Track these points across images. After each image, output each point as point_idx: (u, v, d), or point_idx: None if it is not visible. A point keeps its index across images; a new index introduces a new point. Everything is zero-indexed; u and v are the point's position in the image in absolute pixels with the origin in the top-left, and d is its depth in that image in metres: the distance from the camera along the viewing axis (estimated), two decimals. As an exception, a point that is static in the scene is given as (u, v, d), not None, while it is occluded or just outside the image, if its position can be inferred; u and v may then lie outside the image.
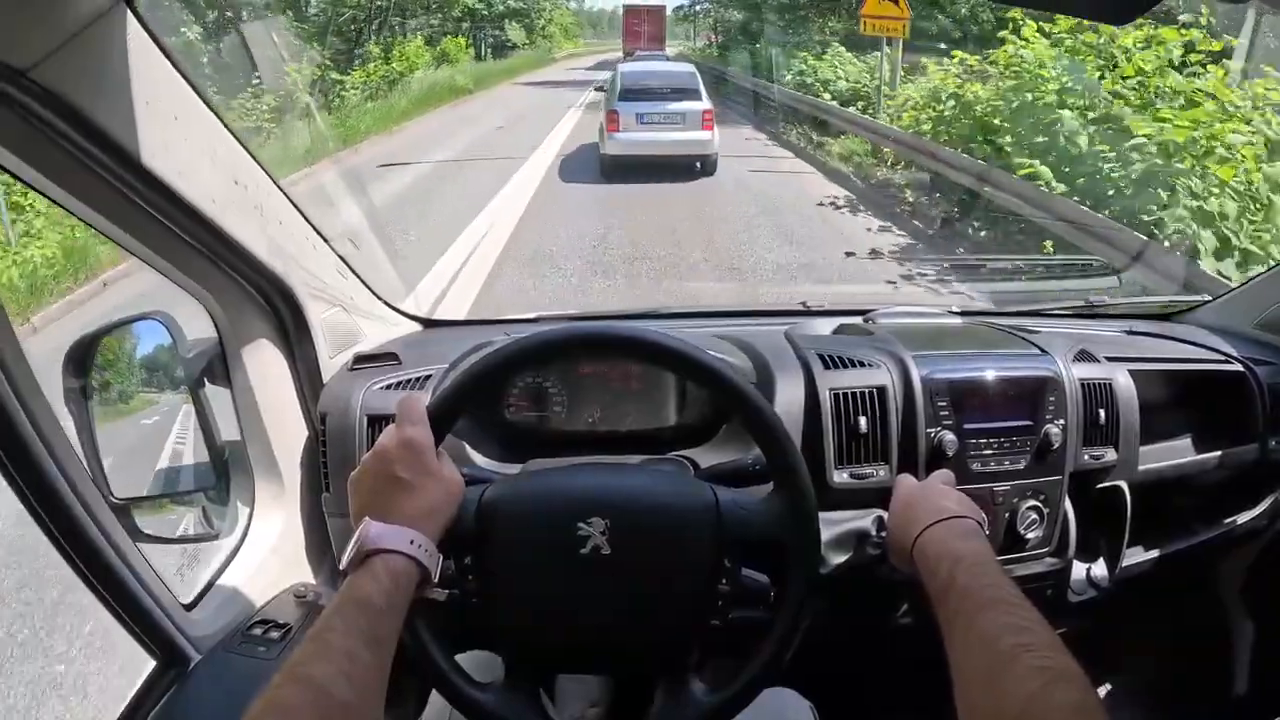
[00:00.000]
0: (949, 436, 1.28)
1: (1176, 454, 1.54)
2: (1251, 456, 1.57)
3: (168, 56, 0.94)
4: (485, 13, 28.16)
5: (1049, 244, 6.10)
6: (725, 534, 0.92)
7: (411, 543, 0.82)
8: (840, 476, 1.28)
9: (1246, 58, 6.02)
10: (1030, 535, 1.32)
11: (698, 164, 9.72)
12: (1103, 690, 1.82)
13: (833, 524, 1.19)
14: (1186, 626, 1.83)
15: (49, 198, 0.92)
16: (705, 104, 9.92)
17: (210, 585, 1.24)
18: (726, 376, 0.92)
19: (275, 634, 1.18)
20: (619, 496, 0.93)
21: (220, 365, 1.26)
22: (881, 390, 1.30)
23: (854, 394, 1.30)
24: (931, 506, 0.97)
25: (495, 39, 29.49)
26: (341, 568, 0.82)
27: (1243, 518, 1.60)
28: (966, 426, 1.30)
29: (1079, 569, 1.41)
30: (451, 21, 25.13)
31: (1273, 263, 1.73)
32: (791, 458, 0.92)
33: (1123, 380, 1.42)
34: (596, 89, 12.45)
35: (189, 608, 1.16)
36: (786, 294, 5.88)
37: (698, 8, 35.53)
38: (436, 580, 0.87)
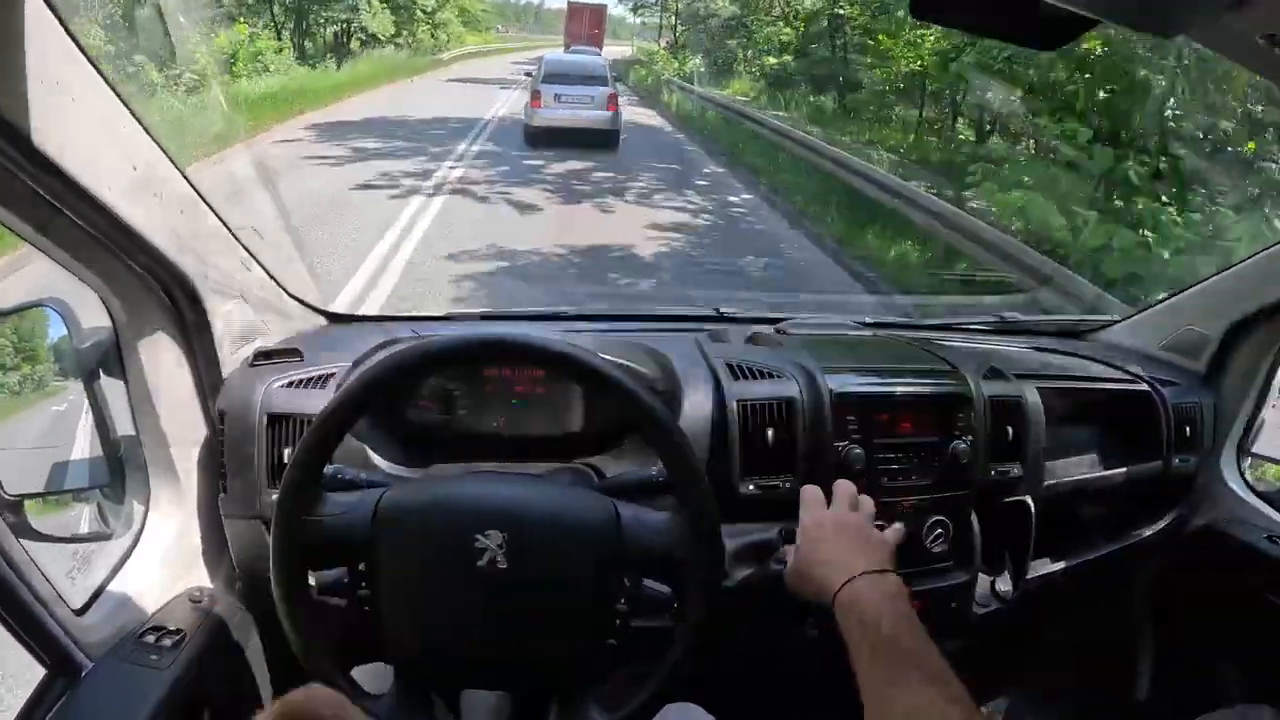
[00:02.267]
0: (856, 451, 1.29)
1: (1082, 469, 1.59)
2: (1154, 473, 1.62)
3: (68, 32, 0.89)
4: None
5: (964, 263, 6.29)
6: (626, 552, 0.91)
7: None
8: (745, 488, 1.28)
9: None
10: (937, 549, 1.34)
11: (604, 137, 12.25)
12: (1005, 701, 1.87)
13: (737, 535, 1.19)
14: (1089, 637, 1.89)
15: None
16: (610, 89, 12.72)
17: (102, 589, 1.18)
18: (632, 390, 0.91)
19: (168, 642, 1.14)
20: (518, 510, 0.91)
21: (116, 357, 1.20)
22: (789, 402, 1.31)
23: (762, 405, 1.30)
24: (853, 550, 0.96)
25: (344, 28, 22.00)
26: None
27: (1145, 532, 1.65)
28: (875, 441, 1.31)
29: (984, 582, 1.43)
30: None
31: (1180, 288, 1.80)
32: (694, 475, 0.91)
33: (1031, 397, 1.46)
34: (526, 74, 15.76)
35: (80, 612, 1.11)
36: (702, 298, 5.90)
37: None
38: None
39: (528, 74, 14.69)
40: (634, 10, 34.42)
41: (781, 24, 20.27)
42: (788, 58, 19.09)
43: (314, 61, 19.68)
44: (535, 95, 12.25)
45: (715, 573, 0.93)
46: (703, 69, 19.74)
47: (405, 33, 25.10)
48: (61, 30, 0.88)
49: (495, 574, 0.88)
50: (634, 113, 16.70)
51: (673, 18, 28.99)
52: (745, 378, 1.34)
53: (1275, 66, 0.74)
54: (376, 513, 0.91)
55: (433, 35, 28.13)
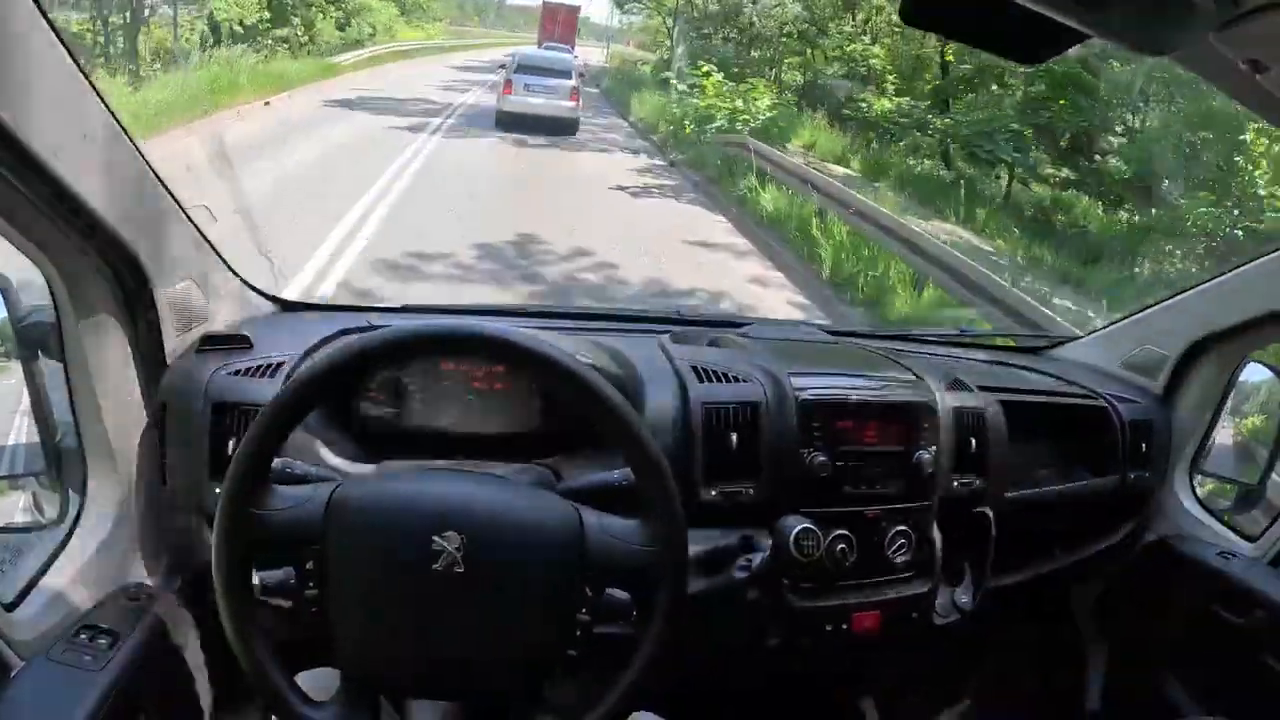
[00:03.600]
0: (821, 458, 1.28)
1: (1041, 482, 1.60)
2: (1111, 487, 1.64)
3: None
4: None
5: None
6: (589, 562, 0.89)
7: None
8: (708, 493, 1.26)
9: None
10: (899, 559, 1.33)
11: (565, 124, 13.97)
12: (961, 707, 1.89)
13: (699, 541, 1.17)
14: (1046, 647, 1.91)
15: None
16: (574, 83, 14.29)
17: (34, 583, 1.12)
18: (596, 386, 0.89)
19: (103, 641, 1.08)
20: (479, 512, 0.88)
21: (57, 337, 1.14)
22: (755, 406, 1.29)
23: (727, 409, 1.29)
24: None
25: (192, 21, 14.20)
26: None
27: (1100, 545, 1.68)
28: (840, 449, 1.30)
29: (944, 592, 1.44)
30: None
31: (1140, 307, 1.84)
32: (665, 485, 0.89)
33: (993, 410, 1.47)
34: (500, 67, 15.82)
35: (10, 607, 1.05)
36: (663, 301, 5.80)
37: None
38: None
39: (502, 66, 15.40)
40: (620, 6, 29.21)
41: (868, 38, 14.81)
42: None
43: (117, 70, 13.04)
44: (508, 84, 13.88)
45: (680, 583, 0.91)
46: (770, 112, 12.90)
47: (294, 21, 18.06)
48: None
49: (452, 578, 0.85)
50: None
51: (668, 20, 23.56)
52: (710, 380, 1.32)
53: (1255, 93, 0.74)
54: (329, 508, 0.87)
55: (342, 28, 21.60)
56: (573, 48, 25.01)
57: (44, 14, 0.88)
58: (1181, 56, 0.73)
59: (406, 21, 27.40)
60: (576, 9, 31.99)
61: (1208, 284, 1.63)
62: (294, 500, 0.88)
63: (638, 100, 18.37)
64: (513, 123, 13.46)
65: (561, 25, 30.20)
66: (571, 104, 14.06)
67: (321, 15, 20.15)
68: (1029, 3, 0.62)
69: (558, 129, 13.63)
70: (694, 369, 1.33)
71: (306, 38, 19.21)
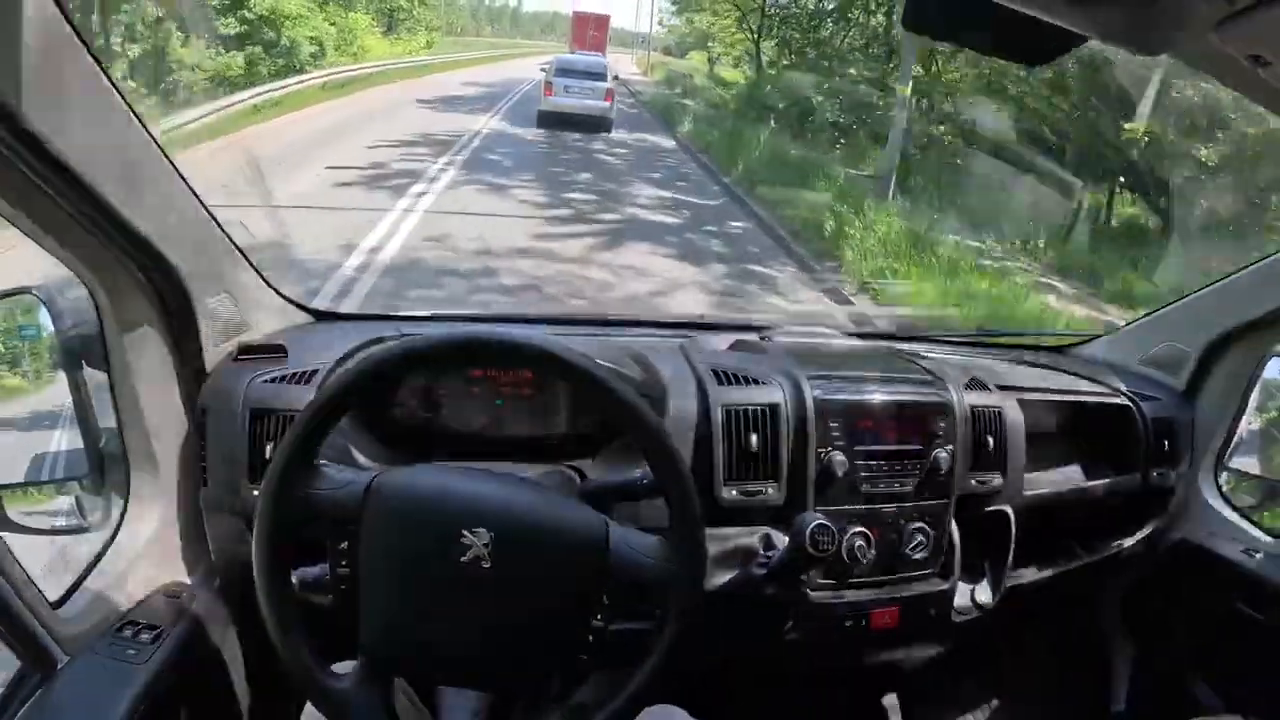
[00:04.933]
0: (839, 458, 1.30)
1: (1061, 481, 1.60)
2: (1133, 485, 1.64)
3: (69, 22, 0.89)
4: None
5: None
6: (609, 570, 0.91)
7: None
8: (729, 493, 1.29)
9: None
10: (917, 556, 1.35)
11: (600, 122, 15.05)
12: (984, 705, 1.89)
13: (720, 540, 1.19)
14: (1067, 646, 1.91)
15: None
16: (608, 85, 15.28)
17: (79, 582, 1.17)
18: (622, 394, 0.91)
19: (146, 636, 1.13)
20: (509, 512, 0.91)
21: (99, 347, 1.19)
22: (774, 408, 1.32)
23: (746, 411, 1.31)
24: None
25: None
26: None
27: (1123, 544, 1.67)
28: (857, 448, 1.32)
29: (963, 590, 1.45)
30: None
31: (1161, 304, 1.83)
32: (689, 505, 0.91)
33: (1011, 409, 1.48)
34: (541, 69, 16.63)
35: (56, 605, 1.09)
36: (684, 305, 5.75)
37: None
38: None
39: (544, 69, 16.29)
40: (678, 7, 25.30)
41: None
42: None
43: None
44: (548, 85, 15.17)
45: (695, 600, 0.93)
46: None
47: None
48: (63, 20, 0.88)
49: (477, 572, 0.88)
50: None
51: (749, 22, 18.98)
52: (730, 383, 1.35)
53: (1258, 87, 0.75)
54: (368, 493, 0.90)
55: (271, 54, 15.04)
56: (604, 54, 25.38)
57: (86, 45, 0.93)
58: (1183, 54, 0.74)
59: (391, 35, 21.20)
60: (607, 18, 32.90)
61: (1229, 279, 1.62)
62: (335, 484, 0.92)
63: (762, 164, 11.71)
64: (553, 120, 14.81)
65: (593, 33, 31.10)
66: (606, 104, 15.18)
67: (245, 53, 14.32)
68: (1027, 8, 0.63)
69: (593, 126, 14.92)
70: (714, 372, 1.36)
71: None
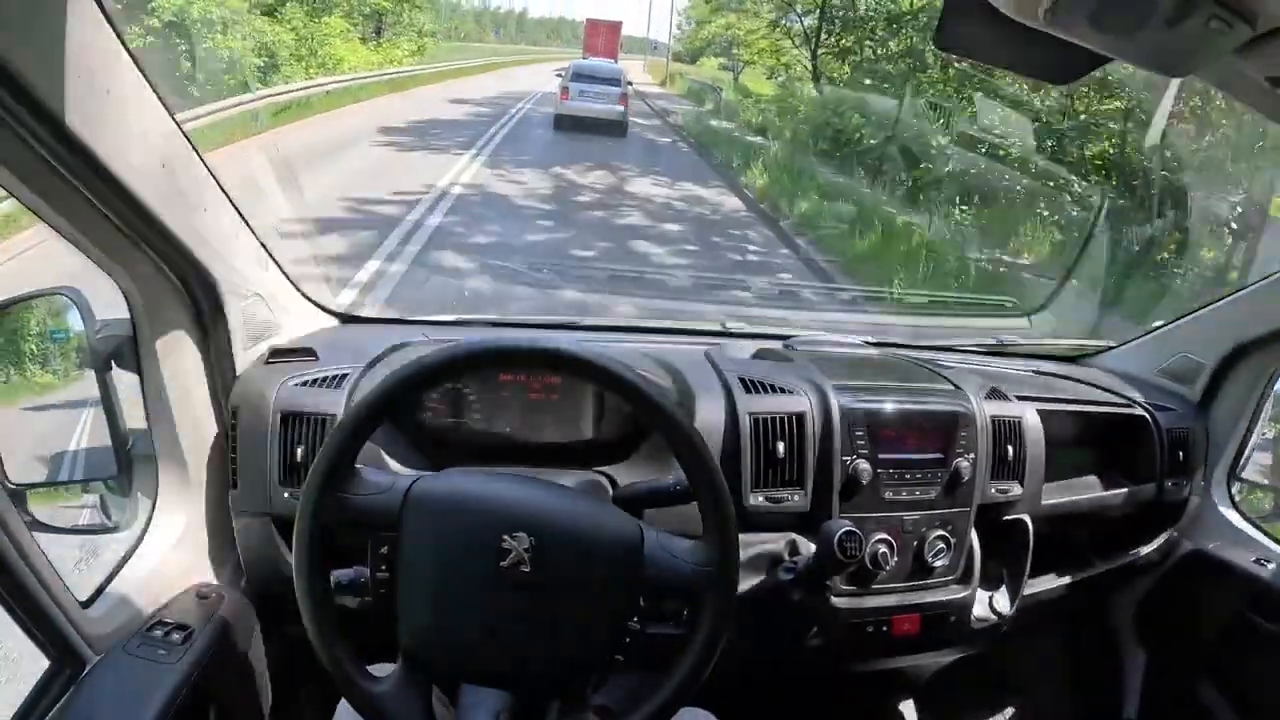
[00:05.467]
0: (864, 465, 1.31)
1: (1078, 490, 1.62)
2: (1149, 495, 1.65)
3: (114, 29, 0.91)
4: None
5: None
6: (645, 574, 0.92)
7: None
8: (755, 499, 1.30)
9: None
10: (937, 563, 1.36)
11: (615, 126, 14.95)
12: (1000, 711, 1.90)
13: (745, 546, 1.20)
14: (1082, 654, 1.92)
15: None
16: (622, 89, 15.33)
17: (108, 581, 1.18)
18: (659, 401, 0.93)
19: (177, 636, 1.14)
20: (550, 518, 0.92)
21: (130, 349, 1.21)
22: (800, 416, 1.33)
23: (773, 419, 1.33)
24: None
25: None
26: None
27: (1137, 553, 1.69)
28: (881, 456, 1.33)
29: (982, 597, 1.46)
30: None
31: (1177, 316, 1.84)
32: (725, 511, 0.93)
33: (1031, 418, 1.49)
34: (557, 75, 16.66)
35: (86, 604, 1.10)
36: (708, 312, 5.71)
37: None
38: None
39: (559, 74, 16.43)
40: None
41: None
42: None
43: None
44: (564, 90, 15.29)
45: (728, 602, 0.94)
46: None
47: None
48: (108, 27, 0.90)
49: (517, 576, 0.89)
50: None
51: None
52: (757, 391, 1.36)
53: (1278, 107, 0.77)
54: (406, 498, 0.91)
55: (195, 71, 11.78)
56: (616, 61, 26.00)
57: (127, 49, 0.94)
58: (1205, 75, 0.75)
59: (374, 43, 17.83)
60: (618, 25, 33.57)
61: (1245, 291, 1.64)
62: (375, 489, 0.93)
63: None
64: (569, 124, 14.94)
65: (605, 40, 31.55)
66: (620, 108, 15.38)
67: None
68: (1054, 30, 0.65)
69: (608, 130, 14.88)
70: (741, 380, 1.37)
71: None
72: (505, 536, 0.89)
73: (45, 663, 1.07)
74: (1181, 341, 1.77)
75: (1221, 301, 1.69)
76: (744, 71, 20.69)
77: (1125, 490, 1.64)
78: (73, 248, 1.06)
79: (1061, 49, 0.68)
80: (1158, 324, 1.88)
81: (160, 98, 1.02)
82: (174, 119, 1.07)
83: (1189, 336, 1.76)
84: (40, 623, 1.01)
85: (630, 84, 16.62)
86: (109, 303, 1.21)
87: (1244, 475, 1.73)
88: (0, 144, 0.85)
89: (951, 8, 0.73)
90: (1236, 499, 1.72)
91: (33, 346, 1.31)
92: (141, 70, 0.98)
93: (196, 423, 1.28)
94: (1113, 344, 1.95)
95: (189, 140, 1.11)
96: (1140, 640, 1.83)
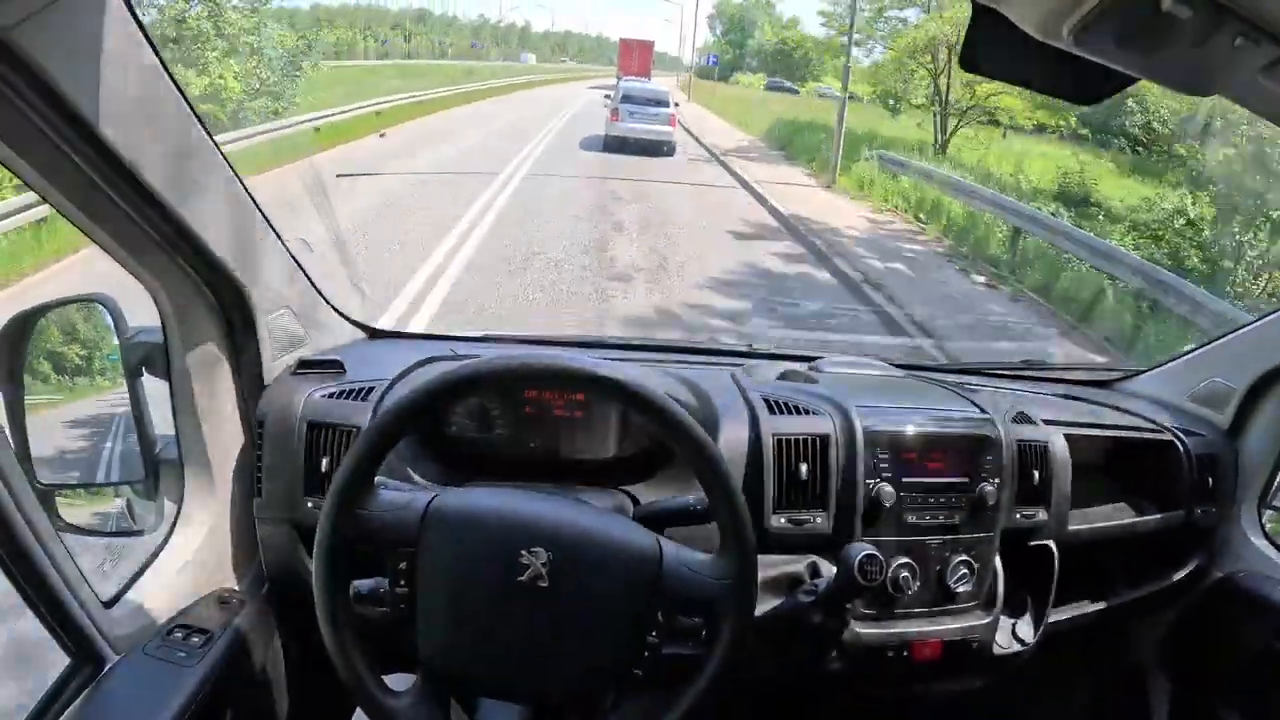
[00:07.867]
0: (887, 489, 1.30)
1: (1105, 516, 1.59)
2: (1177, 522, 1.62)
3: (146, 37, 0.93)
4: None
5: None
6: (663, 589, 0.93)
7: None
8: (777, 521, 1.29)
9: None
10: (960, 589, 1.34)
11: (663, 146, 15.96)
12: None
13: (768, 567, 1.20)
14: (1107, 683, 1.88)
15: (9, 169, 0.89)
16: (671, 110, 16.40)
17: (131, 583, 1.20)
18: (684, 422, 0.93)
19: (197, 639, 1.15)
20: (567, 533, 0.93)
21: (160, 356, 1.23)
22: (824, 439, 1.32)
23: (797, 440, 1.32)
24: None
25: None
26: None
27: (1165, 580, 1.65)
28: (905, 480, 1.32)
29: (1005, 624, 1.43)
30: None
31: (1207, 340, 1.81)
32: (744, 529, 0.93)
33: (1058, 443, 1.47)
34: (605, 96, 17.88)
35: (108, 605, 1.12)
36: (733, 333, 5.72)
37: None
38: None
39: (607, 96, 17.66)
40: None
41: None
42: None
43: None
44: (614, 112, 16.31)
45: (746, 618, 0.94)
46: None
47: None
48: (145, 42, 0.92)
49: (535, 591, 0.90)
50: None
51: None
52: (781, 413, 1.35)
53: None
54: (425, 515, 0.92)
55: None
56: (649, 79, 26.90)
57: (164, 65, 0.97)
58: (1231, 94, 0.75)
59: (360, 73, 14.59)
60: (651, 44, 35.24)
61: (1274, 316, 1.61)
62: (394, 505, 0.94)
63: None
64: (618, 145, 15.70)
65: (638, 59, 33.14)
66: (669, 129, 16.19)
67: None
68: (1080, 50, 0.65)
69: (657, 150, 15.78)
70: (765, 401, 1.37)
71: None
72: (523, 551, 0.90)
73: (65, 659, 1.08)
74: (1212, 366, 1.74)
75: (1252, 326, 1.67)
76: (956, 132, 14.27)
77: (1153, 517, 1.61)
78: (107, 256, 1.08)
79: (1087, 69, 0.68)
80: (1188, 348, 1.85)
81: (196, 114, 1.05)
82: (214, 141, 1.09)
83: (1219, 361, 1.73)
84: (62, 620, 1.03)
85: (677, 103, 17.53)
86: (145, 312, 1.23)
87: (1275, 503, 1.69)
88: (40, 154, 0.88)
89: (977, 27, 0.73)
90: (1266, 527, 1.68)
91: (66, 350, 1.34)
92: (178, 87, 1.00)
93: (223, 430, 1.29)
94: (1142, 368, 1.92)
95: (224, 155, 1.13)
96: (1166, 670, 1.79)
